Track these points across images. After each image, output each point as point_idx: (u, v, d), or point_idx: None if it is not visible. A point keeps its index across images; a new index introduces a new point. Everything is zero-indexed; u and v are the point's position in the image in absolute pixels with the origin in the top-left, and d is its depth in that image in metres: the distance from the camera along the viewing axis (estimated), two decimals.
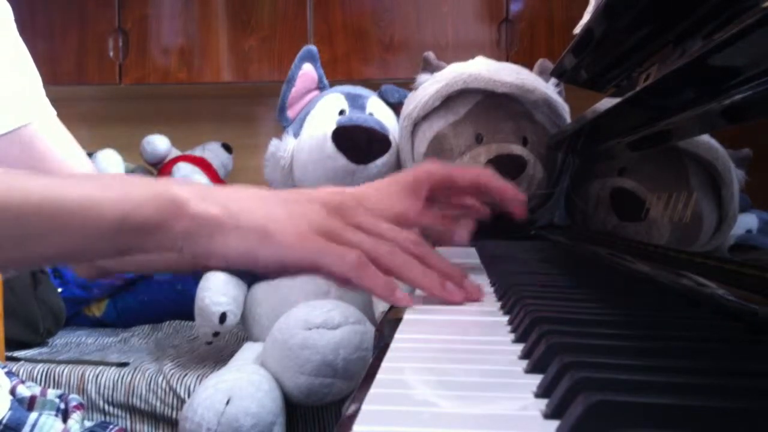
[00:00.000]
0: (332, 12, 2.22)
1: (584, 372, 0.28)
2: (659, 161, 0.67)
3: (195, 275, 1.50)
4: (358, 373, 1.15)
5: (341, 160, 1.31)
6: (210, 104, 2.52)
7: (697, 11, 0.61)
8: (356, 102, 1.41)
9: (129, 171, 2.22)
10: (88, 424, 0.79)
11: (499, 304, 0.52)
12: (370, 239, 0.51)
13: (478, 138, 1.15)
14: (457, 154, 1.15)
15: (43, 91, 0.74)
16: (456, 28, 2.19)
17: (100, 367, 1.45)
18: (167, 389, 1.37)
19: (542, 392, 0.30)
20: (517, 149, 1.11)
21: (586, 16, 0.95)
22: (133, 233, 0.46)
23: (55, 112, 0.74)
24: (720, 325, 0.42)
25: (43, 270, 1.72)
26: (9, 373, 0.78)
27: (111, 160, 2.12)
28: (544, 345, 0.34)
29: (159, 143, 2.21)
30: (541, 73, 1.27)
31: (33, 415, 0.71)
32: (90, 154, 2.15)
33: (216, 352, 1.55)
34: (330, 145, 1.31)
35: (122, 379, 1.41)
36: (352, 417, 0.27)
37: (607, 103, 0.79)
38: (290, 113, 1.42)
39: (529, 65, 1.27)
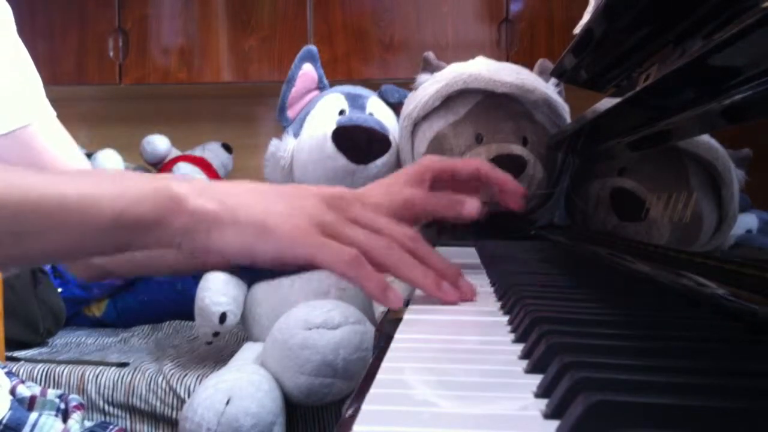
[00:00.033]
0: (332, 12, 2.22)
1: (584, 372, 0.28)
2: (659, 161, 0.67)
3: (195, 276, 1.50)
4: (358, 373, 1.15)
5: (341, 160, 1.31)
6: (210, 104, 2.52)
7: (697, 11, 0.61)
8: (356, 102, 1.41)
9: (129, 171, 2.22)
10: (88, 424, 0.79)
11: (499, 304, 0.52)
12: (366, 234, 0.51)
13: (478, 138, 1.15)
14: (457, 154, 1.15)
15: (43, 92, 0.74)
16: (456, 28, 2.19)
17: (100, 367, 1.45)
18: (167, 389, 1.37)
19: (542, 392, 0.30)
20: (517, 149, 1.11)
21: (586, 16, 0.95)
22: (131, 229, 0.46)
23: (54, 113, 0.74)
24: (720, 325, 0.42)
25: (43, 270, 1.73)
26: (9, 373, 0.78)
27: (111, 160, 2.12)
28: (544, 345, 0.34)
29: (159, 143, 2.21)
30: (541, 73, 1.26)
31: (33, 415, 0.71)
32: (90, 154, 2.16)
33: (216, 352, 1.55)
34: (330, 145, 1.31)
35: (122, 379, 1.41)
36: (352, 417, 0.27)
37: (607, 103, 0.79)
38: (290, 113, 1.42)
39: (529, 65, 1.27)
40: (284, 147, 1.39)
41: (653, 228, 0.64)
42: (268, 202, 0.50)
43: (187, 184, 0.48)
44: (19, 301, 1.60)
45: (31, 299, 1.65)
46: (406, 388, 0.31)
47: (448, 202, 0.61)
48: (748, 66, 0.47)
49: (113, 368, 1.44)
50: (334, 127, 1.33)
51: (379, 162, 1.32)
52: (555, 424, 0.26)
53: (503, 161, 1.10)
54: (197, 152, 2.28)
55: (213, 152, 2.30)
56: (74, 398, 0.80)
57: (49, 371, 1.44)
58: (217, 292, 1.35)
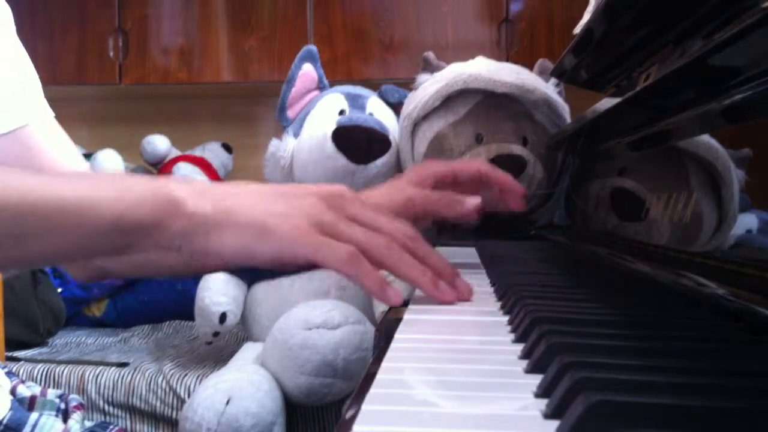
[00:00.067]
0: (332, 12, 2.22)
1: (584, 372, 0.28)
2: (659, 161, 0.67)
3: (195, 277, 1.50)
4: (358, 373, 1.15)
5: (341, 160, 1.31)
6: (210, 104, 2.52)
7: (697, 11, 0.61)
8: (356, 102, 1.41)
9: (129, 171, 2.22)
10: (88, 424, 0.79)
11: (499, 304, 0.52)
12: (365, 232, 0.51)
13: (478, 138, 1.15)
14: (457, 154, 1.15)
15: (41, 93, 0.74)
16: (456, 28, 2.19)
17: (100, 367, 1.45)
18: (167, 389, 1.37)
19: (542, 392, 0.30)
20: (517, 149, 1.11)
21: (586, 16, 0.95)
22: (129, 232, 0.46)
23: (53, 114, 0.74)
24: (720, 325, 0.42)
25: (43, 270, 1.73)
26: (9, 373, 0.78)
27: (111, 160, 2.12)
28: (544, 345, 0.34)
29: (159, 143, 2.21)
30: (541, 73, 1.27)
31: (34, 416, 0.71)
32: (90, 154, 2.16)
33: (216, 352, 1.55)
34: (330, 145, 1.31)
35: (122, 379, 1.41)
36: (352, 417, 0.27)
37: (607, 103, 0.79)
38: (290, 113, 1.42)
39: (529, 65, 1.27)
40: (284, 147, 1.39)
41: (653, 228, 0.64)
42: (267, 203, 0.50)
43: (186, 187, 0.48)
44: (19, 301, 1.60)
45: (31, 299, 1.65)
46: (406, 388, 0.31)
47: (449, 201, 0.62)
48: (748, 66, 0.47)
49: (113, 368, 1.44)
50: (334, 127, 1.33)
51: (379, 162, 1.32)
52: (555, 424, 0.26)
53: (503, 161, 1.10)
54: (197, 152, 2.28)
55: (213, 152, 2.30)
56: (74, 398, 0.80)
57: (49, 371, 1.44)
58: (217, 292, 1.35)
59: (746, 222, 0.48)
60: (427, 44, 2.07)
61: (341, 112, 1.39)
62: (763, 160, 0.48)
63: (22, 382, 0.78)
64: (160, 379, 1.39)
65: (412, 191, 0.60)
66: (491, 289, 0.59)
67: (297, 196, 0.52)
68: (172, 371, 1.41)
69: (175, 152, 2.27)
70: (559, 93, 1.24)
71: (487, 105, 1.15)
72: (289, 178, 1.40)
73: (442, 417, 0.28)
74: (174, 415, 1.36)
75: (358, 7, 2.22)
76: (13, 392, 0.76)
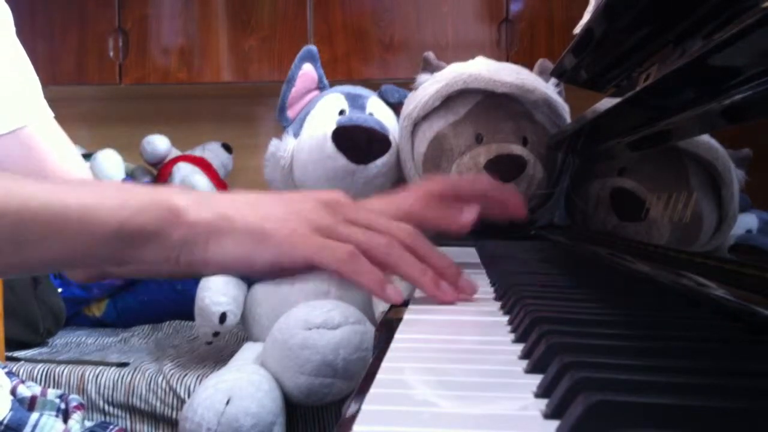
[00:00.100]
0: (332, 12, 2.22)
1: (584, 372, 0.28)
2: (659, 161, 0.67)
3: (195, 278, 1.50)
4: (358, 373, 1.15)
5: (341, 160, 1.31)
6: (210, 104, 2.52)
7: (697, 11, 0.61)
8: (356, 102, 1.41)
9: (129, 171, 2.22)
10: (88, 424, 0.79)
11: (499, 304, 0.52)
12: (365, 233, 0.51)
13: (478, 138, 1.15)
14: (457, 154, 1.15)
15: (41, 93, 0.74)
16: (456, 28, 2.19)
17: (100, 367, 1.45)
18: (167, 389, 1.37)
19: (542, 392, 0.30)
20: (517, 149, 1.11)
21: (586, 16, 0.95)
22: (130, 241, 0.46)
23: (53, 114, 0.74)
24: (720, 325, 0.42)
25: None
26: (9, 373, 0.78)
27: (111, 160, 2.12)
28: (544, 345, 0.34)
29: (159, 143, 2.21)
30: (541, 73, 1.26)
31: (34, 416, 0.71)
32: (90, 154, 2.15)
33: (216, 352, 1.55)
34: (330, 145, 1.31)
35: (122, 379, 1.41)
36: (352, 417, 0.27)
37: (607, 103, 0.79)
38: (290, 113, 1.42)
39: (529, 65, 1.27)
40: (284, 147, 1.39)
41: (653, 228, 0.64)
42: (267, 209, 0.50)
43: (186, 196, 0.48)
44: (19, 301, 1.60)
45: (31, 299, 1.65)
46: (406, 388, 0.32)
47: (446, 217, 0.62)
48: (748, 66, 0.47)
49: (113, 368, 1.44)
50: (334, 127, 1.33)
51: (379, 162, 1.32)
52: (555, 424, 0.26)
53: (503, 161, 1.10)
54: (197, 152, 2.28)
55: (213, 152, 2.29)
56: (74, 398, 0.80)
57: (49, 371, 1.44)
58: (217, 292, 1.35)
59: (746, 222, 0.48)
60: (427, 44, 2.07)
61: (341, 112, 1.39)
62: (763, 160, 0.48)
63: (22, 382, 0.78)
64: (160, 379, 1.39)
65: (410, 206, 0.60)
66: (491, 289, 0.59)
67: (296, 201, 0.52)
68: (172, 371, 1.41)
69: (175, 152, 2.27)
70: (559, 93, 1.24)
71: (487, 105, 1.15)
72: (289, 178, 1.40)
73: (442, 417, 0.28)
74: (174, 415, 1.35)
75: (358, 7, 2.21)
76: (13, 392, 0.76)
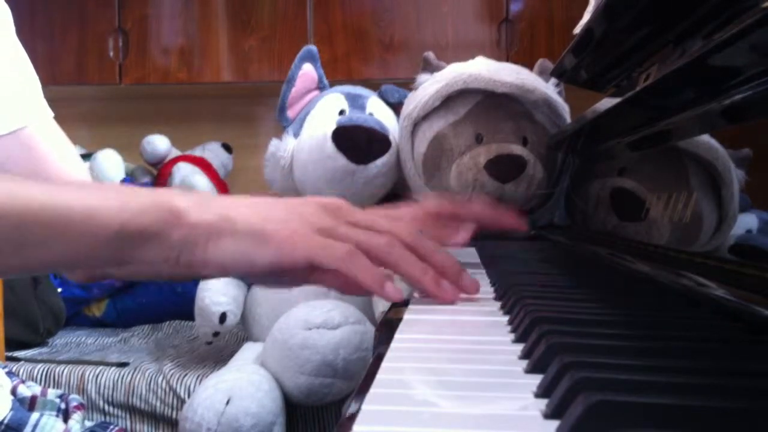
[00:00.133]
0: (332, 12, 2.22)
1: (584, 372, 0.28)
2: (659, 161, 0.67)
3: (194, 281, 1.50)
4: (358, 373, 1.15)
5: (341, 160, 1.31)
6: (210, 104, 2.52)
7: (697, 11, 0.61)
8: (356, 102, 1.41)
9: (129, 171, 2.22)
10: (88, 424, 0.79)
11: (499, 304, 0.52)
12: (365, 233, 0.51)
13: (478, 138, 1.15)
14: (457, 154, 1.15)
15: (41, 94, 0.74)
16: (456, 28, 2.19)
17: (100, 367, 1.45)
18: (167, 389, 1.37)
19: (542, 392, 0.30)
20: (517, 149, 1.11)
21: (586, 16, 0.95)
22: (131, 242, 0.46)
23: (53, 115, 0.74)
24: (720, 325, 0.42)
25: None
26: (9, 373, 0.78)
27: (111, 160, 2.12)
28: (544, 345, 0.34)
29: (159, 143, 2.21)
30: (541, 73, 1.27)
31: (34, 416, 0.71)
32: (90, 154, 2.15)
33: (216, 352, 1.55)
34: (330, 145, 1.31)
35: (122, 379, 1.41)
36: (352, 417, 0.27)
37: (607, 103, 0.79)
38: (290, 113, 1.42)
39: (529, 65, 1.27)
40: (284, 147, 1.39)
41: (653, 228, 0.64)
42: (267, 210, 0.50)
43: (187, 198, 0.48)
44: (19, 301, 1.60)
45: (31, 299, 1.65)
46: (406, 388, 0.32)
47: (443, 233, 0.63)
48: (748, 66, 0.47)
49: (113, 368, 1.44)
50: (334, 127, 1.33)
51: (379, 162, 1.32)
52: (555, 424, 0.26)
53: (503, 161, 1.10)
54: (197, 152, 2.28)
55: (213, 152, 2.29)
56: (74, 398, 0.80)
57: (49, 371, 1.44)
58: (217, 292, 1.35)
59: (746, 222, 0.48)
60: (427, 44, 2.07)
61: (341, 112, 1.39)
62: (763, 160, 0.48)
63: (23, 382, 0.78)
64: (160, 379, 1.39)
65: (407, 222, 0.60)
66: (491, 289, 0.59)
67: (297, 205, 0.52)
68: (172, 371, 1.41)
69: (175, 152, 2.27)
70: (559, 93, 1.24)
71: (487, 105, 1.15)
72: (289, 178, 1.40)
73: (442, 417, 0.28)
74: (174, 415, 1.36)
75: (358, 7, 2.21)
76: (13, 392, 0.76)
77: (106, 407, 1.40)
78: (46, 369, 1.45)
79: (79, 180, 0.73)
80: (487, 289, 0.59)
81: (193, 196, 0.49)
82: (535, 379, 0.31)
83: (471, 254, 0.87)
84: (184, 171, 2.16)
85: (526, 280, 0.58)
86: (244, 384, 1.13)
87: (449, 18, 2.19)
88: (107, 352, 1.60)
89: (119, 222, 0.46)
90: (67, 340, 1.74)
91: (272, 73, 2.22)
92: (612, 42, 0.80)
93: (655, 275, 0.54)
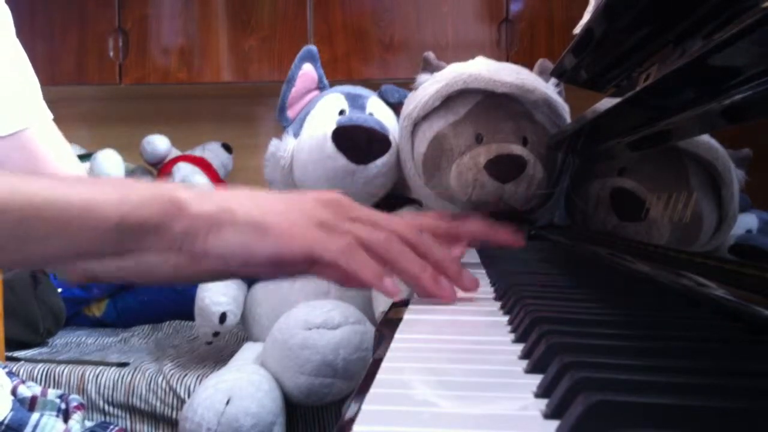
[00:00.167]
0: (332, 12, 2.22)
1: (584, 372, 0.28)
2: (659, 161, 0.67)
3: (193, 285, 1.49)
4: (358, 373, 1.15)
5: (341, 160, 1.31)
6: (210, 104, 2.52)
7: (697, 11, 0.61)
8: (356, 102, 1.41)
9: (129, 171, 2.22)
10: (88, 424, 0.79)
11: (499, 304, 0.52)
12: (365, 228, 0.51)
13: (478, 138, 1.15)
14: (457, 154, 1.15)
15: (40, 95, 0.74)
16: (456, 28, 2.19)
17: (100, 367, 1.45)
18: (167, 389, 1.37)
19: (542, 392, 0.30)
20: (517, 149, 1.11)
21: (586, 16, 0.95)
22: (132, 234, 0.46)
23: (52, 116, 0.74)
24: (720, 325, 0.42)
25: (43, 270, 1.73)
26: (9, 373, 0.78)
27: (111, 160, 2.12)
28: (544, 345, 0.34)
29: (159, 143, 2.21)
30: (541, 73, 1.26)
31: (35, 416, 0.71)
32: (90, 154, 2.15)
33: (216, 352, 1.55)
34: (330, 145, 1.31)
35: (122, 379, 1.41)
36: (352, 417, 0.27)
37: (607, 103, 0.79)
38: (290, 113, 1.42)
39: (529, 65, 1.27)
40: (284, 147, 1.39)
41: (653, 228, 0.64)
42: (268, 204, 0.51)
43: (188, 190, 0.49)
44: (19, 301, 1.60)
45: (31, 299, 1.65)
46: (406, 388, 0.32)
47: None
48: (748, 66, 0.47)
49: (113, 368, 1.44)
50: (334, 127, 1.33)
51: (379, 162, 1.32)
52: (555, 424, 0.26)
53: (503, 161, 1.10)
54: (197, 152, 2.28)
55: (213, 152, 2.29)
56: (75, 398, 0.80)
57: (49, 371, 1.44)
58: (217, 292, 1.35)
59: (746, 222, 0.48)
60: (427, 44, 2.07)
61: (341, 112, 1.39)
62: (763, 160, 0.48)
63: (23, 382, 0.78)
64: (160, 379, 1.39)
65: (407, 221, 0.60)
66: (491, 289, 0.59)
67: (297, 198, 0.52)
68: (172, 371, 1.41)
69: (175, 152, 2.27)
70: (559, 93, 1.24)
71: (487, 105, 1.15)
72: (289, 178, 1.40)
73: (442, 417, 0.28)
74: (174, 415, 1.35)
75: (358, 7, 2.21)
76: (14, 392, 0.76)
77: (106, 407, 1.40)
78: (46, 369, 1.45)
79: (79, 175, 0.73)
80: (487, 289, 0.59)
81: (193, 189, 0.49)
82: (535, 379, 0.31)
83: (471, 254, 0.87)
84: (184, 171, 2.16)
85: (526, 280, 0.58)
86: (244, 384, 1.13)
87: (449, 18, 2.19)
88: (107, 352, 1.60)
89: (119, 214, 0.46)
90: (67, 340, 1.74)
91: (272, 73, 2.22)
92: (612, 42, 0.80)
93: (655, 275, 0.54)
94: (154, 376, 1.40)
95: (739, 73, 0.48)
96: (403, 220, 0.55)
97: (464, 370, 0.34)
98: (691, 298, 0.47)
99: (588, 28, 0.81)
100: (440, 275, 0.52)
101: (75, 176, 0.70)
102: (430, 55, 1.27)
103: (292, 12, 2.23)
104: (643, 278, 0.56)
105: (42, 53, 2.24)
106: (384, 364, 0.35)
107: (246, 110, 2.52)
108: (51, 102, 0.75)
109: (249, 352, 1.35)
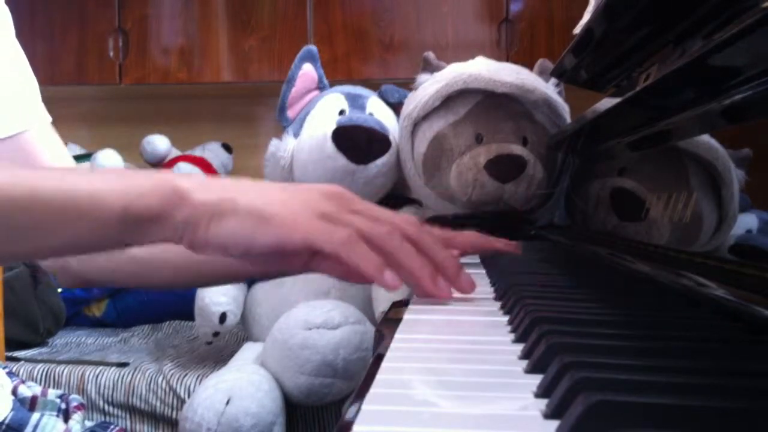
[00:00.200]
0: (332, 12, 2.22)
1: (584, 372, 0.28)
2: (659, 161, 0.67)
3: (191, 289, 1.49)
4: (358, 373, 1.15)
5: (341, 160, 1.31)
6: (210, 104, 2.52)
7: (697, 11, 0.61)
8: (356, 102, 1.41)
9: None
10: (88, 424, 0.79)
11: (499, 304, 0.52)
12: (366, 221, 0.51)
13: (478, 138, 1.15)
14: (457, 154, 1.15)
15: (39, 97, 0.74)
16: (456, 28, 2.19)
17: (100, 367, 1.45)
18: (167, 389, 1.37)
19: (542, 392, 0.30)
20: (517, 149, 1.11)
21: (586, 16, 0.95)
22: (136, 223, 0.47)
23: (50, 119, 0.74)
24: (720, 325, 0.42)
25: (43, 270, 1.72)
26: (10, 374, 0.78)
27: (111, 160, 2.12)
28: (544, 345, 0.34)
29: (159, 143, 2.21)
30: (541, 73, 1.26)
31: (35, 416, 0.71)
32: (90, 154, 2.16)
33: (216, 352, 1.55)
34: (330, 145, 1.31)
35: (122, 379, 1.41)
36: (352, 417, 0.27)
37: (607, 103, 0.79)
38: (290, 113, 1.42)
39: (529, 65, 1.27)
40: (284, 147, 1.39)
41: (653, 228, 0.64)
42: (269, 194, 0.51)
43: (190, 180, 0.49)
44: (19, 301, 1.60)
45: (31, 299, 1.65)
46: (406, 388, 0.31)
47: None
48: (748, 66, 0.47)
49: (113, 368, 1.44)
50: (334, 127, 1.33)
51: (379, 162, 1.32)
52: (555, 424, 0.26)
53: (503, 161, 1.10)
54: (197, 152, 2.28)
55: (213, 152, 2.30)
56: (75, 398, 0.80)
57: (49, 371, 1.44)
58: (217, 292, 1.35)
59: (746, 222, 0.48)
60: (427, 44, 2.07)
61: (341, 112, 1.39)
62: (763, 160, 0.48)
63: (23, 382, 0.78)
64: (160, 379, 1.39)
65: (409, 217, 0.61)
66: (491, 289, 0.59)
67: (299, 189, 0.52)
68: (172, 371, 1.41)
69: (175, 152, 2.27)
70: (559, 93, 1.24)
71: (487, 105, 1.15)
72: (289, 178, 1.40)
73: (442, 417, 0.28)
74: (174, 415, 1.35)
75: (358, 7, 2.21)
76: (14, 392, 0.76)
77: (106, 407, 1.40)
78: (46, 369, 1.45)
79: (81, 168, 0.73)
80: (487, 289, 0.59)
81: (194, 178, 0.50)
82: (535, 379, 0.31)
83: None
84: (184, 171, 2.16)
85: (526, 280, 0.58)
86: (244, 384, 1.13)
87: (449, 18, 2.19)
88: (107, 352, 1.60)
89: (122, 205, 0.46)
90: (67, 340, 1.74)
91: (272, 73, 2.22)
92: (612, 42, 0.80)
93: (655, 275, 0.54)
94: (154, 376, 1.40)
95: (739, 73, 0.48)
96: (404, 215, 0.55)
97: (464, 370, 0.34)
98: (691, 298, 0.47)
99: (588, 28, 0.81)
100: (439, 274, 0.52)
101: (78, 168, 0.70)
102: (430, 55, 1.27)
103: (292, 12, 2.23)
104: (643, 278, 0.56)
105: (42, 53, 2.24)
106: (384, 364, 0.35)
107: (246, 110, 2.52)
108: (51, 102, 0.75)
109: (249, 352, 1.35)
